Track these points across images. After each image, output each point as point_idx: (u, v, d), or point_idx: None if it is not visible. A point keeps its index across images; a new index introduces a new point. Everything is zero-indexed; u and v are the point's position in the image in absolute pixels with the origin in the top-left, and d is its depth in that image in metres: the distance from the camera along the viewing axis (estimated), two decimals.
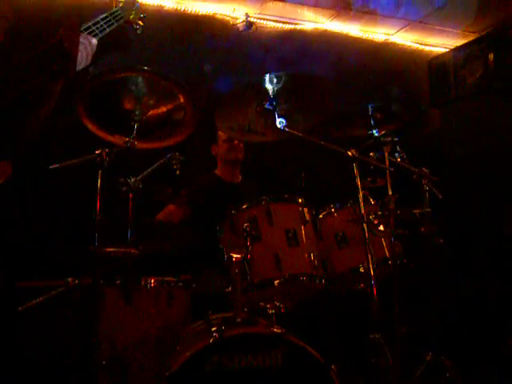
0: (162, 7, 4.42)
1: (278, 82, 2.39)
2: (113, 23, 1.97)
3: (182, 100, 2.48)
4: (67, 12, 3.86)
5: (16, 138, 1.66)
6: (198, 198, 3.13)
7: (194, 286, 2.80)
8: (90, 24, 1.87)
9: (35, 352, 2.47)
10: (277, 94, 2.44)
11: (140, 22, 2.16)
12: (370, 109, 2.97)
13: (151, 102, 2.50)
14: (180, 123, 2.60)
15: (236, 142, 3.55)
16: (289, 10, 4.76)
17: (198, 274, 2.94)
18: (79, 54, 1.75)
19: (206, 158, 3.63)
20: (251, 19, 4.64)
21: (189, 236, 2.86)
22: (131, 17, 2.11)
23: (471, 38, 5.12)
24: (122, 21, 2.05)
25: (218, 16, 4.62)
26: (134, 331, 2.55)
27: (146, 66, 2.47)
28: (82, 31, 1.81)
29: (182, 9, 4.49)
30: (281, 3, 4.65)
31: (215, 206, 2.89)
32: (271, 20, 4.83)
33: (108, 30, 1.94)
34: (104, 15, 1.95)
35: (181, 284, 2.72)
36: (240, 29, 4.60)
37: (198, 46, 4.47)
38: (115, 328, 2.52)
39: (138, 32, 2.17)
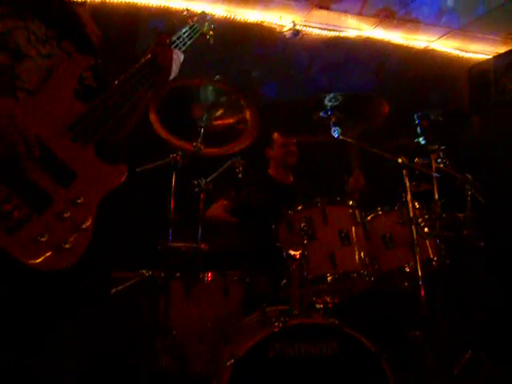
0: (213, 15, 4.61)
1: (335, 101, 2.60)
2: (192, 36, 2.11)
3: (248, 115, 2.67)
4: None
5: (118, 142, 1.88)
6: (253, 196, 3.30)
7: (247, 280, 3.00)
8: (174, 38, 2.01)
9: (112, 334, 2.72)
10: (333, 107, 2.65)
11: (211, 33, 2.32)
12: (416, 117, 3.12)
13: (219, 111, 2.70)
14: (241, 133, 2.81)
15: (292, 147, 3.75)
16: (333, 17, 4.94)
17: (250, 271, 3.12)
18: (171, 69, 1.93)
19: (261, 160, 3.81)
20: (297, 27, 4.83)
21: (244, 234, 3.06)
22: (205, 29, 2.24)
23: None
24: (199, 33, 2.18)
25: (265, 24, 4.83)
26: (193, 321, 2.77)
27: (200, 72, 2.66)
28: (167, 44, 1.96)
29: (232, 17, 4.71)
30: (326, 11, 4.83)
31: (269, 205, 3.09)
32: (316, 27, 5.02)
33: (189, 42, 2.07)
34: (184, 29, 2.09)
35: (236, 278, 2.93)
36: (287, 36, 4.80)
37: (246, 52, 4.68)
38: (176, 317, 2.75)
39: (211, 42, 2.30)
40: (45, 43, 1.77)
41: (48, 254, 1.51)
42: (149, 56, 1.91)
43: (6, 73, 1.64)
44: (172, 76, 2.00)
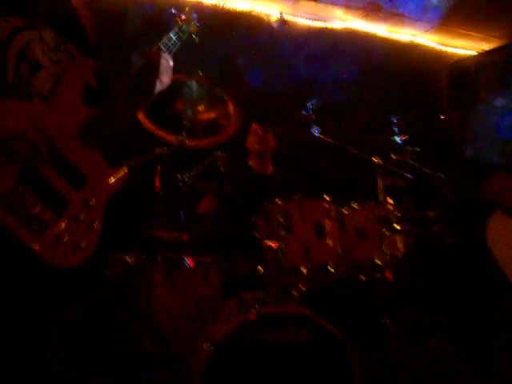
0: (201, 3, 4.68)
1: (317, 105, 2.72)
2: (181, 37, 2.11)
3: (230, 108, 2.76)
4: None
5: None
6: (234, 187, 3.40)
7: (226, 266, 3.13)
8: (166, 40, 2.02)
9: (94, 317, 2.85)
10: (315, 109, 2.77)
11: (197, 31, 2.28)
12: (393, 118, 3.24)
13: (202, 106, 2.79)
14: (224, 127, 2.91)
15: (261, 133, 3.72)
16: (320, 8, 5.02)
17: (229, 257, 3.25)
18: (165, 75, 1.94)
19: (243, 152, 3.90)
20: (285, 17, 4.90)
21: (224, 224, 3.19)
22: (191, 28, 2.24)
23: (494, 42, 5.34)
24: (187, 34, 2.18)
25: (254, 13, 4.89)
26: (173, 303, 2.90)
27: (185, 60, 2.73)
28: (161, 49, 1.97)
29: (221, 5, 4.76)
30: (313, 2, 4.90)
31: (248, 195, 3.21)
32: (303, 17, 5.09)
33: (178, 44, 2.07)
34: (174, 31, 2.09)
35: (214, 263, 3.06)
36: (274, 26, 4.86)
37: (233, 40, 4.73)
38: (157, 300, 2.88)
39: (196, 42, 2.29)
40: (55, 50, 1.86)
41: (68, 253, 1.64)
42: (147, 60, 1.94)
43: (24, 82, 1.74)
44: (167, 81, 2.00)
